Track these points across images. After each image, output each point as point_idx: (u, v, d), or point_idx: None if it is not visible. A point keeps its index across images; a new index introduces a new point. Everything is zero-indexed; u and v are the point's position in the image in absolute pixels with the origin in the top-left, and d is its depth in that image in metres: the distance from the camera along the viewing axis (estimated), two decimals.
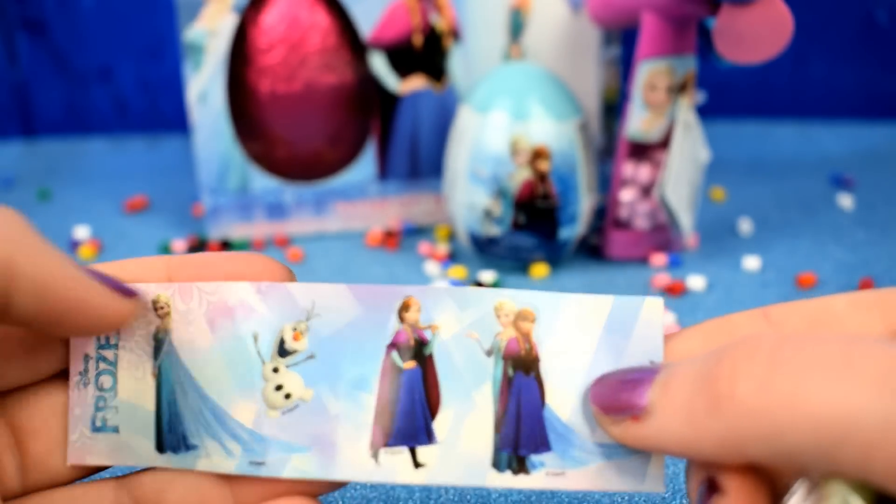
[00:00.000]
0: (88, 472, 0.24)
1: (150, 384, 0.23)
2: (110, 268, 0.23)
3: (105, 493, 0.23)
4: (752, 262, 0.47)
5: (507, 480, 0.22)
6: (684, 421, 0.19)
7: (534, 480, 0.22)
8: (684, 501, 0.29)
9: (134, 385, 0.23)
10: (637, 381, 0.21)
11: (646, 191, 0.46)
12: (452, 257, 0.49)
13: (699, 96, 0.47)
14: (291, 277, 0.24)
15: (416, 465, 0.22)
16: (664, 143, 0.45)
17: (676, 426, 0.19)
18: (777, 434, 0.17)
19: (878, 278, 0.45)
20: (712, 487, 0.19)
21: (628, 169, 0.46)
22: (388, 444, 0.22)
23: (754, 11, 0.38)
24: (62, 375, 0.23)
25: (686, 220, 0.46)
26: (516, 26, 0.50)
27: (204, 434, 0.23)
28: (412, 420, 0.22)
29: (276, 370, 0.23)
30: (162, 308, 0.23)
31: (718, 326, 0.23)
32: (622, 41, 0.53)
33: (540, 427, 0.22)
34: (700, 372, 0.19)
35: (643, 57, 0.43)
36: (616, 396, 0.21)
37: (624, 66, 0.52)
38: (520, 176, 0.44)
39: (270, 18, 0.48)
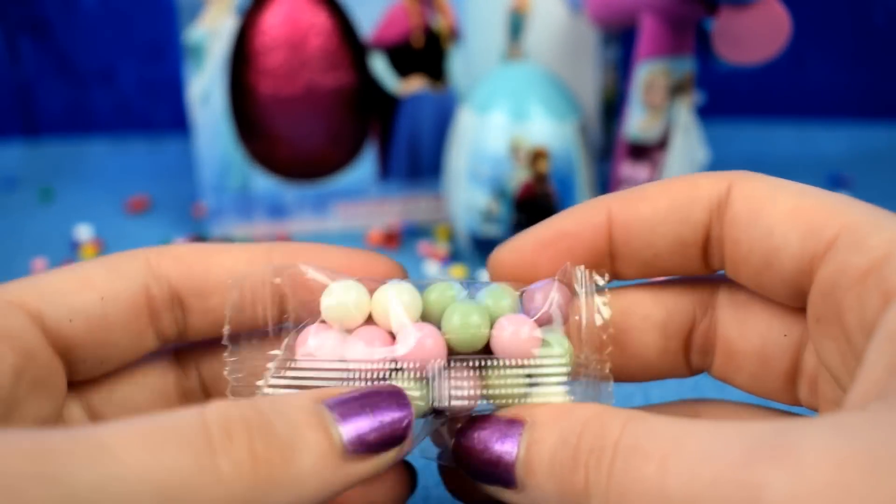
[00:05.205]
0: None
1: None
2: (206, 253, 0.24)
3: (167, 374, 0.24)
4: None
5: None
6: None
7: None
8: None
9: None
10: (499, 459, 0.21)
11: None
12: (452, 257, 0.49)
13: (699, 97, 0.47)
14: (402, 273, 0.25)
15: None
16: (663, 143, 0.45)
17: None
18: None
19: None
20: None
21: (627, 169, 0.46)
22: None
23: (753, 13, 0.38)
24: None
25: None
26: (516, 27, 0.50)
27: None
28: None
29: None
30: None
31: (682, 187, 0.23)
32: (621, 42, 0.53)
33: None
34: (560, 466, 0.19)
35: (642, 57, 0.43)
36: (483, 469, 0.21)
37: (623, 67, 0.52)
38: (519, 176, 0.44)
39: (271, 20, 0.48)
